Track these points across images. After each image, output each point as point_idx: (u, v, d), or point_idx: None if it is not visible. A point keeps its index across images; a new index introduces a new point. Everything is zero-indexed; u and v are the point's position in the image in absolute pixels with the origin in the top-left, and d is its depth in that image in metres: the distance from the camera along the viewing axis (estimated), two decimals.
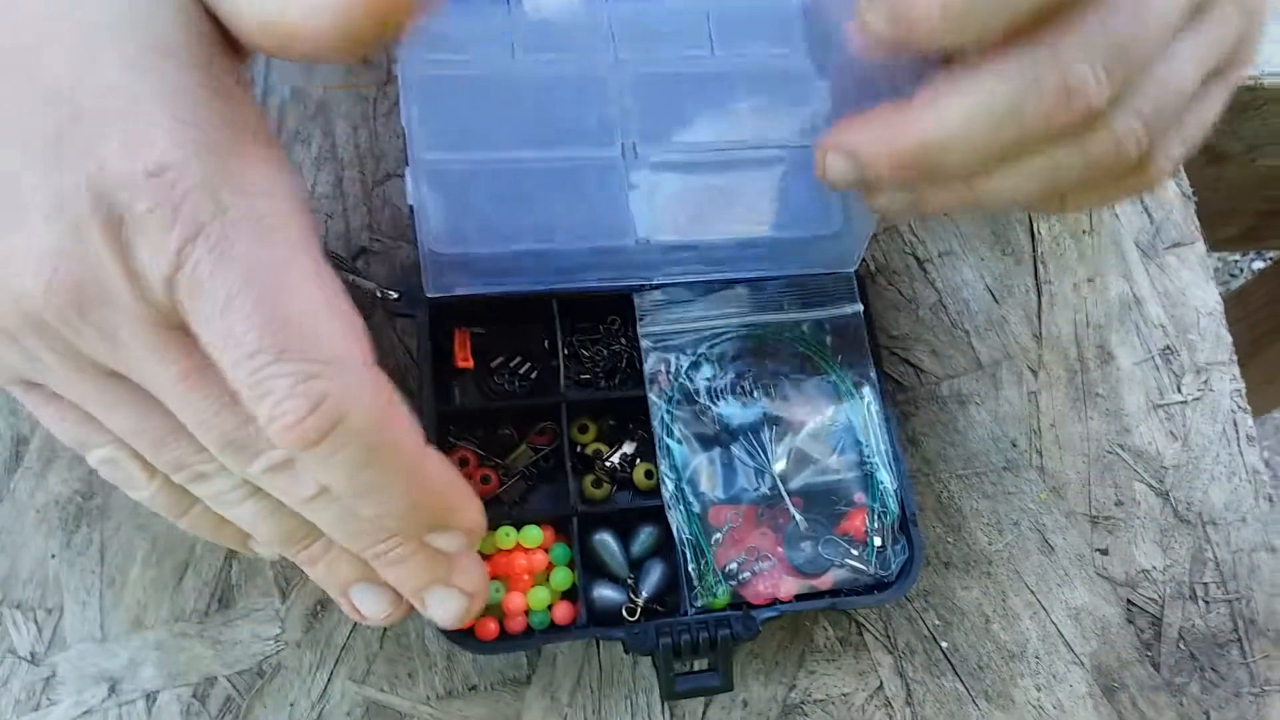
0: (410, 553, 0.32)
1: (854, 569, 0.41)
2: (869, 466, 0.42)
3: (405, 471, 0.28)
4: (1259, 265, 1.94)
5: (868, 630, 0.44)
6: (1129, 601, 0.45)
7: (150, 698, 0.39)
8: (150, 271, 0.25)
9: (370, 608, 0.34)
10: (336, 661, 0.40)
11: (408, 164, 0.40)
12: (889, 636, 0.44)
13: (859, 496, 0.42)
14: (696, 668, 0.39)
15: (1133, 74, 0.29)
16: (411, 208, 0.40)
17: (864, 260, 0.49)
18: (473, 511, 0.32)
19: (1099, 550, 0.46)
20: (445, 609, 0.34)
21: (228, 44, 0.28)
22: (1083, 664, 0.44)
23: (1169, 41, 0.30)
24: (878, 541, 0.41)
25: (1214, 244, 0.92)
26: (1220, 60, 0.33)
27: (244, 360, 0.25)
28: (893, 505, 0.41)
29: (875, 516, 0.41)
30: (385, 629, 0.41)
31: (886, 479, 0.42)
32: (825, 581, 0.40)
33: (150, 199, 0.25)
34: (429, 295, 0.41)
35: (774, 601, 0.40)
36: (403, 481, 0.29)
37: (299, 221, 0.28)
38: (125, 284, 0.26)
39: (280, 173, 0.28)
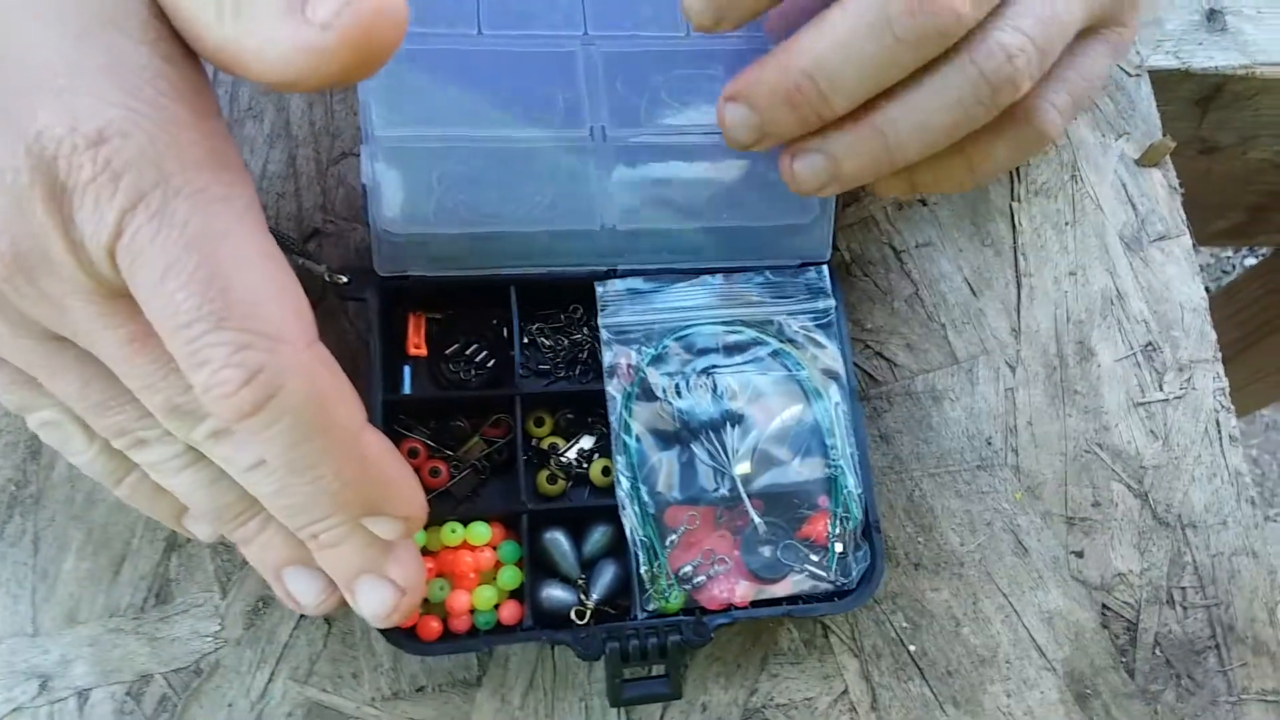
0: (344, 535, 0.31)
1: (814, 575, 0.39)
2: (833, 469, 0.40)
3: (341, 450, 0.28)
4: (1251, 262, 1.93)
5: (833, 633, 0.42)
6: (1104, 606, 0.44)
7: (82, 696, 0.38)
8: (91, 241, 0.26)
9: (303, 593, 0.34)
10: (278, 660, 0.39)
11: (364, 141, 0.39)
12: (855, 639, 0.42)
13: (823, 500, 0.40)
14: (650, 673, 0.38)
15: None
16: (365, 186, 0.39)
17: (839, 250, 0.47)
18: (412, 498, 0.31)
19: (1074, 553, 0.44)
20: (375, 602, 0.32)
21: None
22: (1055, 670, 0.43)
23: None
24: (839, 548, 0.39)
25: (1206, 239, 0.91)
26: (1097, 12, 0.36)
27: (182, 329, 0.26)
28: (856, 510, 0.40)
29: (838, 521, 0.40)
30: (330, 627, 0.39)
31: (851, 483, 0.40)
32: (783, 587, 0.39)
33: (92, 168, 0.25)
34: (380, 274, 0.39)
35: (729, 607, 0.38)
36: (337, 460, 0.28)
37: (243, 195, 0.27)
38: (68, 253, 0.26)
39: (226, 146, 0.28)
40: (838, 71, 0.32)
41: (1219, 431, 0.47)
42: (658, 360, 0.41)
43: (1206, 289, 0.49)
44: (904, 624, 0.43)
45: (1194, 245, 0.50)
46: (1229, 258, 1.97)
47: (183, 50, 0.28)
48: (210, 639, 0.39)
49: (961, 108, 0.33)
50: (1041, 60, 0.33)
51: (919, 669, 0.42)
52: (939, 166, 0.37)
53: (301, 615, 0.39)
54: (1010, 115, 0.35)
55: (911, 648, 0.42)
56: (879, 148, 0.35)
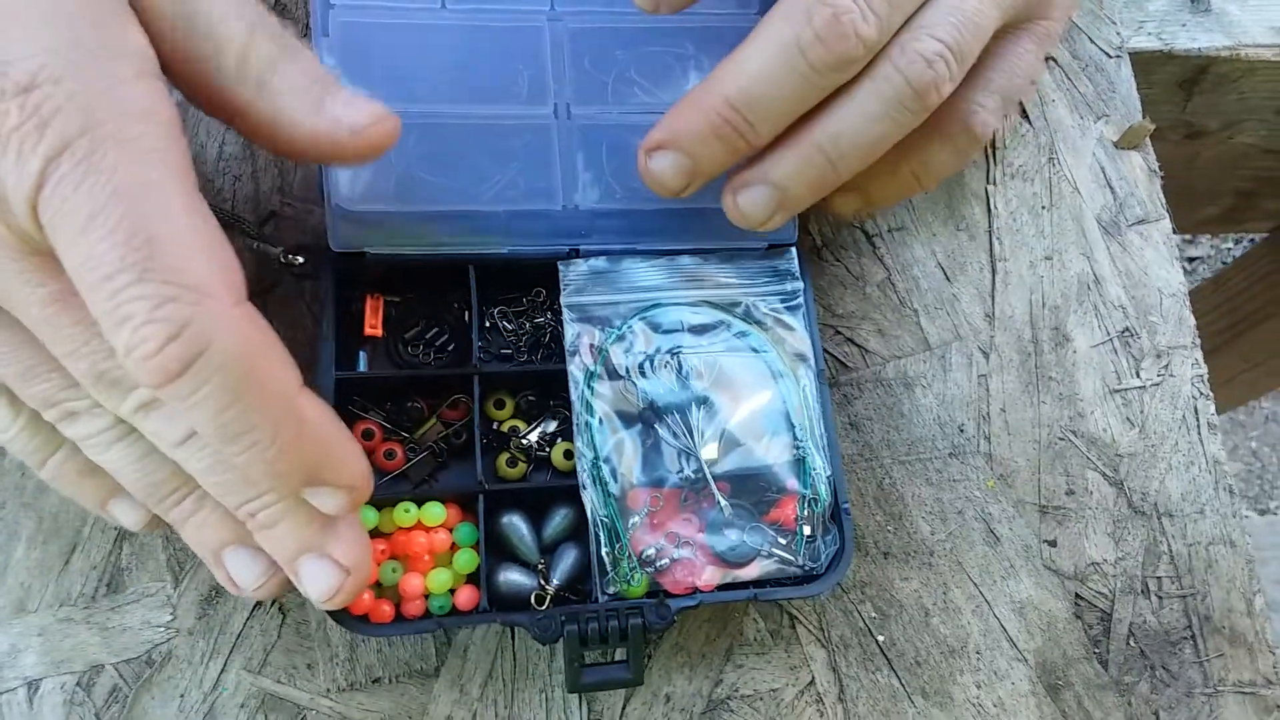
0: (283, 513, 0.30)
1: (781, 559, 0.38)
2: (802, 452, 0.39)
3: (275, 414, 0.27)
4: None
5: (800, 622, 0.41)
6: (1077, 596, 0.43)
7: (32, 686, 0.37)
8: (14, 191, 0.25)
9: (243, 575, 0.33)
10: (231, 651, 0.38)
11: None
12: (823, 629, 0.41)
13: (791, 483, 0.39)
14: (611, 659, 0.37)
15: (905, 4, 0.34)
16: (322, 164, 0.38)
17: (809, 234, 0.46)
18: (355, 465, 0.30)
19: (1047, 541, 0.43)
20: (318, 582, 0.31)
21: None
22: (1026, 661, 0.42)
23: None
24: (807, 531, 0.39)
25: (1194, 226, 0.90)
26: (1011, 10, 0.37)
27: (103, 281, 0.25)
28: (824, 493, 0.39)
29: (806, 505, 0.39)
30: (285, 617, 0.39)
31: (819, 466, 0.39)
32: (750, 571, 0.38)
33: (19, 114, 0.24)
34: (334, 250, 0.38)
35: (693, 591, 0.37)
36: (272, 425, 0.27)
37: (175, 149, 0.27)
38: None
39: (161, 102, 0.27)
40: (759, 99, 0.34)
41: (1197, 419, 0.46)
42: (621, 340, 0.40)
43: (1200, 278, 0.49)
44: (873, 614, 0.42)
45: (1174, 230, 0.49)
46: (1229, 249, 1.96)
47: (130, 16, 0.27)
48: (162, 629, 0.38)
49: (890, 117, 0.35)
50: (960, 62, 0.35)
51: (887, 659, 0.41)
52: (885, 177, 0.40)
53: (256, 605, 0.39)
54: (940, 120, 0.38)
55: (880, 638, 0.42)
56: (819, 165, 0.36)
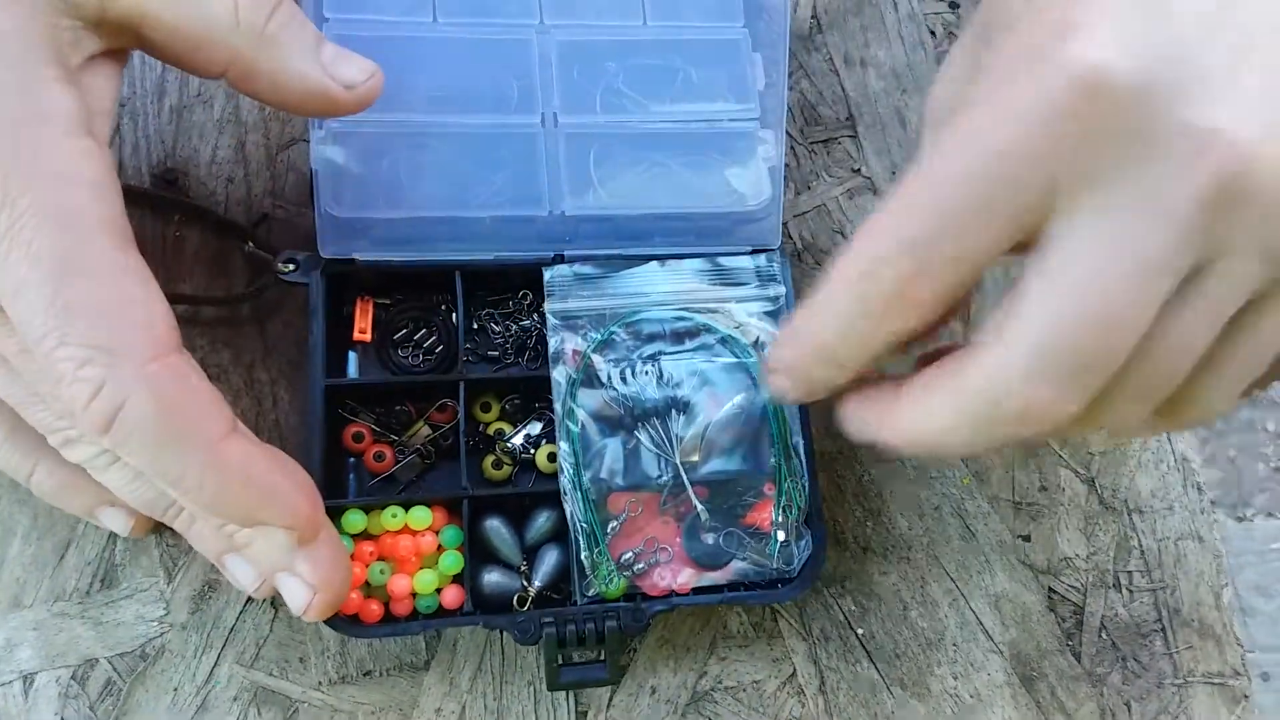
0: (254, 535, 0.32)
1: (756, 563, 0.39)
2: (778, 457, 0.40)
3: (198, 465, 0.28)
4: None
5: (782, 616, 0.42)
6: (1050, 589, 0.44)
7: (27, 679, 0.38)
8: None
9: (242, 579, 0.34)
10: (224, 645, 0.39)
11: (315, 126, 0.39)
12: (804, 623, 0.42)
13: (768, 488, 0.40)
14: (597, 657, 0.38)
15: (1104, 365, 0.24)
16: (314, 170, 0.39)
17: (790, 239, 0.47)
18: (287, 506, 0.30)
19: (1021, 537, 0.45)
20: (291, 597, 0.32)
21: (64, 42, 0.29)
22: (1001, 653, 0.43)
23: (1148, 320, 0.24)
24: (781, 535, 0.40)
25: None
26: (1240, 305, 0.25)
27: (35, 343, 0.27)
28: (800, 499, 0.40)
29: (780, 510, 0.40)
30: (277, 612, 0.39)
31: (796, 471, 0.40)
32: (725, 574, 0.39)
33: None
34: (324, 257, 0.39)
35: (670, 594, 0.38)
36: (196, 474, 0.28)
37: (94, 210, 0.28)
38: None
39: (80, 162, 0.28)
40: (932, 444, 0.28)
41: None
42: (604, 346, 0.41)
43: None
44: (852, 607, 0.43)
45: None
46: None
47: (55, 73, 0.28)
48: (156, 623, 0.39)
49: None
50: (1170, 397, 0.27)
51: (867, 652, 0.42)
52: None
53: (248, 600, 0.39)
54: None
55: (860, 631, 0.43)
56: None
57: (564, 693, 0.40)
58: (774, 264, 0.43)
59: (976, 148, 0.24)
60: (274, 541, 0.32)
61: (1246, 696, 0.44)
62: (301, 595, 0.32)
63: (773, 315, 0.42)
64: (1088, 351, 0.24)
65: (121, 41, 0.31)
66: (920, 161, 0.26)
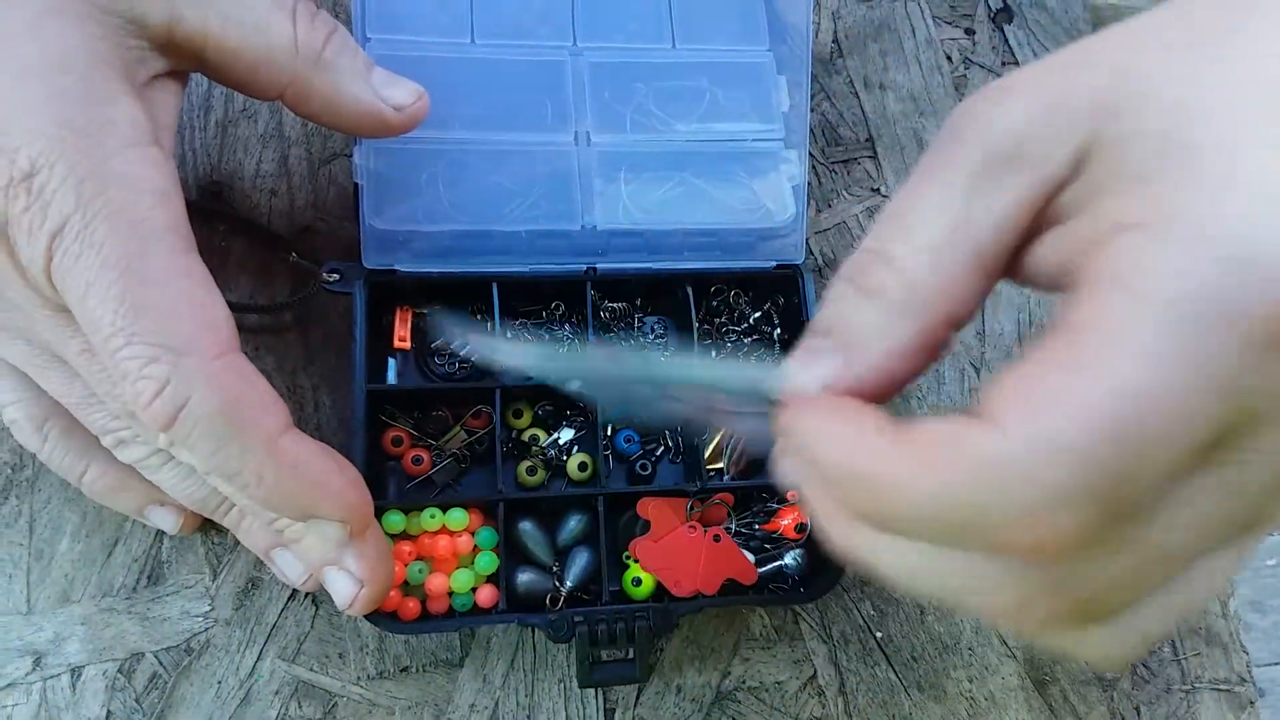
0: (304, 530, 0.33)
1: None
2: None
3: (257, 459, 0.29)
4: None
5: (804, 619, 0.44)
6: None
7: (75, 672, 0.39)
8: (32, 265, 0.28)
9: (289, 573, 0.35)
10: (266, 640, 0.40)
11: (357, 142, 0.40)
12: (824, 626, 0.44)
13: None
14: (627, 655, 0.39)
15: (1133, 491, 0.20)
16: (357, 185, 0.40)
17: (812, 254, 0.49)
18: (341, 500, 0.32)
19: None
20: (338, 591, 0.34)
21: (132, 60, 0.30)
22: (1015, 657, 0.44)
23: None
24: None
25: None
26: (1237, 519, 0.21)
27: (103, 342, 0.28)
28: None
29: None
30: (317, 609, 0.41)
31: None
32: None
33: (26, 199, 0.27)
34: (366, 267, 0.40)
35: (696, 595, 0.40)
36: (255, 468, 0.29)
37: (161, 214, 0.29)
38: (17, 277, 0.29)
39: (148, 169, 0.29)
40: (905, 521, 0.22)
41: None
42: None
43: None
44: (871, 612, 0.44)
45: None
46: None
47: (121, 83, 0.30)
48: (200, 619, 0.40)
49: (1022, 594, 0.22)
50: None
51: (885, 655, 0.44)
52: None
53: (290, 597, 0.41)
54: None
55: (878, 634, 0.44)
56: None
57: (593, 690, 0.41)
58: (796, 280, 0.45)
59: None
60: (323, 536, 0.33)
61: (1252, 703, 0.46)
62: (349, 589, 0.34)
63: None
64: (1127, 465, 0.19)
65: (185, 64, 0.33)
66: None
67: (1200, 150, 0.20)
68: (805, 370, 0.24)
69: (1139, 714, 0.45)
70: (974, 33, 0.54)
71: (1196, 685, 0.46)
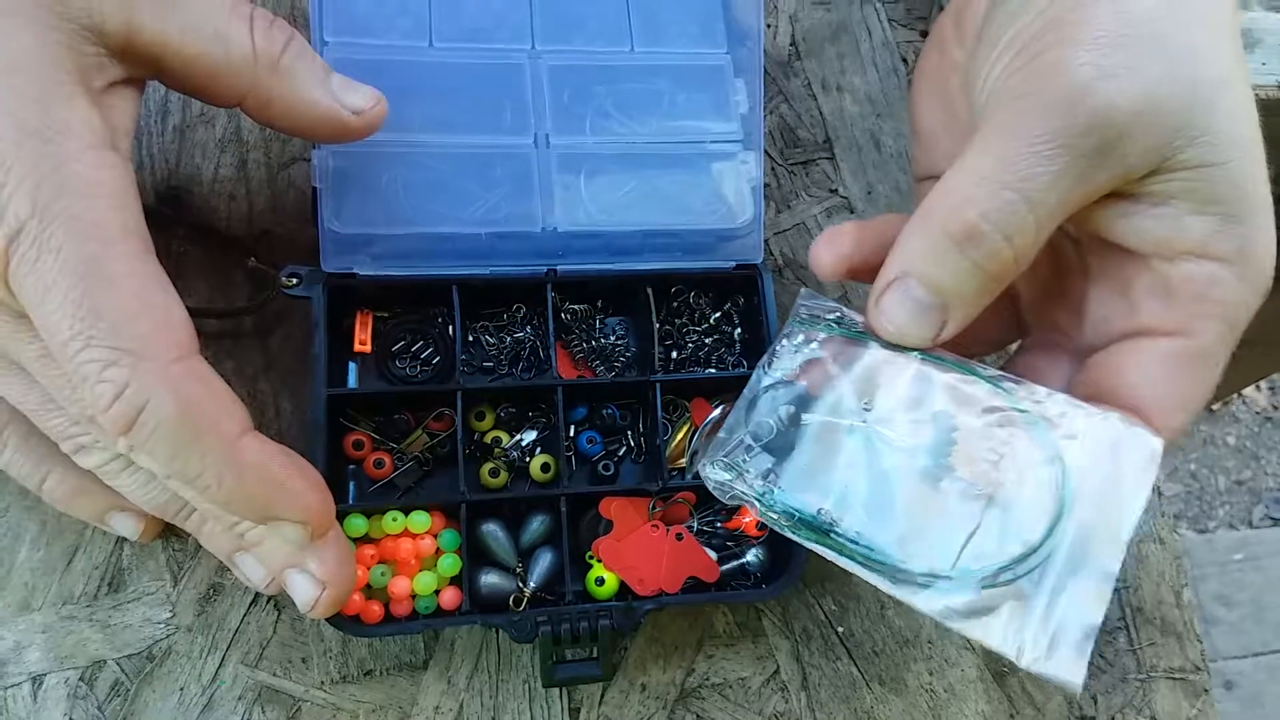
0: (265, 533, 0.33)
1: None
2: None
3: (216, 462, 0.29)
4: None
5: (766, 616, 0.44)
6: None
7: (36, 681, 0.39)
8: None
9: (251, 576, 0.35)
10: (228, 646, 0.40)
11: (316, 146, 0.40)
12: (787, 622, 0.44)
13: None
14: (591, 654, 0.40)
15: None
16: (315, 189, 0.40)
17: (771, 254, 0.50)
18: (300, 502, 0.32)
19: None
20: (299, 593, 0.34)
21: (89, 66, 0.30)
22: (974, 650, 0.45)
23: None
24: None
25: None
26: None
27: (61, 346, 0.28)
28: None
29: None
30: (280, 613, 0.41)
31: None
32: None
33: None
34: (326, 271, 0.41)
35: (659, 593, 0.40)
36: (214, 471, 0.29)
37: (118, 218, 0.29)
38: None
39: (105, 173, 0.29)
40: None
41: None
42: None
43: None
44: (833, 607, 0.45)
45: None
46: None
47: (79, 87, 0.30)
48: (162, 625, 0.40)
49: None
50: None
51: (847, 649, 0.44)
52: None
53: (252, 602, 0.41)
54: None
55: (840, 629, 0.45)
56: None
57: (557, 690, 0.42)
58: (755, 281, 0.45)
59: None
60: (284, 539, 0.33)
61: (1207, 690, 0.47)
62: (310, 591, 0.34)
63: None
64: None
65: (142, 71, 0.33)
66: None
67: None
68: (920, 332, 0.31)
69: (1095, 703, 0.46)
70: (929, 35, 0.55)
71: (1151, 675, 0.46)
